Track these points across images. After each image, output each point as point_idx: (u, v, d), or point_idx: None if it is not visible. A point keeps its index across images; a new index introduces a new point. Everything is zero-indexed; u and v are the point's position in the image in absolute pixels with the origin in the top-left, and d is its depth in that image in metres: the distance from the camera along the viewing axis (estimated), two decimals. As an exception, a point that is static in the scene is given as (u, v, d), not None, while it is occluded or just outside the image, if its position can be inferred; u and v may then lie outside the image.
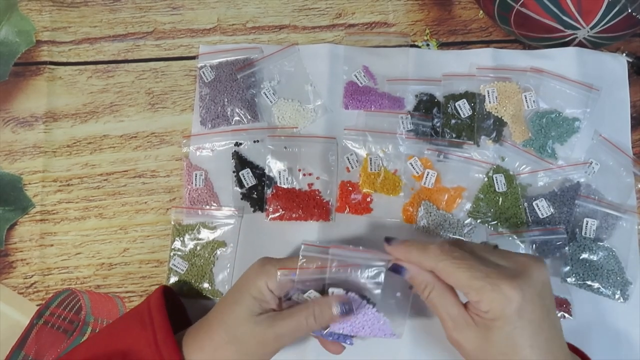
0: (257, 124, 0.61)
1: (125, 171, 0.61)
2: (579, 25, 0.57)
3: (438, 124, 0.60)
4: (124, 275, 0.59)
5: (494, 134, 0.60)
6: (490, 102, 0.60)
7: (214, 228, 0.58)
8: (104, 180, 0.61)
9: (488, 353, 0.41)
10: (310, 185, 0.59)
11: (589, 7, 0.55)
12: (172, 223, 0.58)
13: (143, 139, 0.62)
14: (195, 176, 0.60)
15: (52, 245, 0.60)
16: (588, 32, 0.58)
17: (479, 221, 0.58)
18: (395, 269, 0.45)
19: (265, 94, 0.62)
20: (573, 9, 0.56)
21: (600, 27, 0.57)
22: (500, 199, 0.57)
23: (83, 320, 0.57)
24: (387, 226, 0.58)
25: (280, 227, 0.58)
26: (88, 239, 0.60)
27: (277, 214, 0.58)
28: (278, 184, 0.59)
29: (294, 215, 0.58)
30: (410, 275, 0.45)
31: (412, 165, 0.59)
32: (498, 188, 0.57)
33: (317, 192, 0.59)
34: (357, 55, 0.63)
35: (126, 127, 0.63)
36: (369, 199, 0.59)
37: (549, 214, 0.57)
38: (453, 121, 0.60)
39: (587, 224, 0.56)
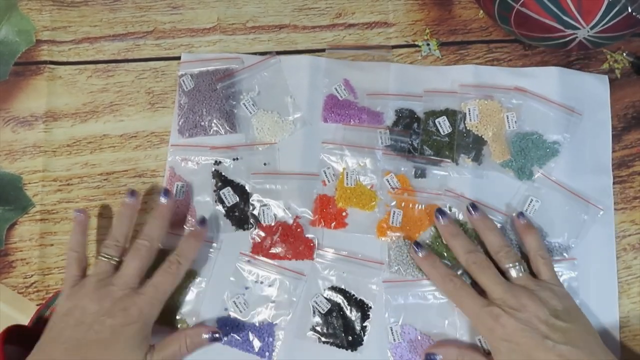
0: (235, 135, 0.61)
1: (125, 171, 0.61)
2: (579, 25, 0.57)
3: (417, 141, 0.60)
4: (124, 274, 0.59)
5: (473, 153, 0.60)
6: (471, 119, 0.60)
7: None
8: (104, 179, 0.61)
9: None
10: (295, 219, 0.58)
11: (589, 7, 0.55)
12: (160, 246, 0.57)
13: (143, 139, 0.62)
14: (177, 187, 0.59)
15: (52, 244, 0.60)
16: (588, 32, 0.58)
17: None
18: (430, 359, 0.52)
19: (245, 105, 0.61)
20: (573, 9, 0.56)
21: (601, 27, 0.57)
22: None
23: (83, 320, 0.57)
24: (361, 241, 0.58)
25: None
26: (88, 239, 0.60)
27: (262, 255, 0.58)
28: (261, 223, 0.58)
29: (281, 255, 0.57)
30: (442, 359, 0.51)
31: (388, 181, 0.58)
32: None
33: (301, 229, 0.58)
34: (338, 68, 0.63)
35: (126, 127, 0.63)
36: (344, 214, 0.58)
37: None
38: (432, 138, 0.60)
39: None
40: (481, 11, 0.66)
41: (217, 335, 0.52)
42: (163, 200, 0.55)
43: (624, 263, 0.58)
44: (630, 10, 0.54)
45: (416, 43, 0.65)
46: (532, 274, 0.53)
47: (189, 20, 0.66)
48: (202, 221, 0.56)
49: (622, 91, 0.63)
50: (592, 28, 0.57)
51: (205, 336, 0.52)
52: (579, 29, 0.58)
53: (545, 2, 0.56)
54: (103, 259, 0.53)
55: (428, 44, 0.65)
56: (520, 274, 0.51)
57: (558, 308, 0.49)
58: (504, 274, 0.52)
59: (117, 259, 0.53)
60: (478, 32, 0.66)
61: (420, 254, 0.54)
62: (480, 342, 0.54)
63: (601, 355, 0.47)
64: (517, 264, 0.52)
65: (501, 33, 0.65)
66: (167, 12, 0.66)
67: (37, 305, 0.58)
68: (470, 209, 0.55)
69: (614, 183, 0.60)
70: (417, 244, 0.54)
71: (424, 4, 0.66)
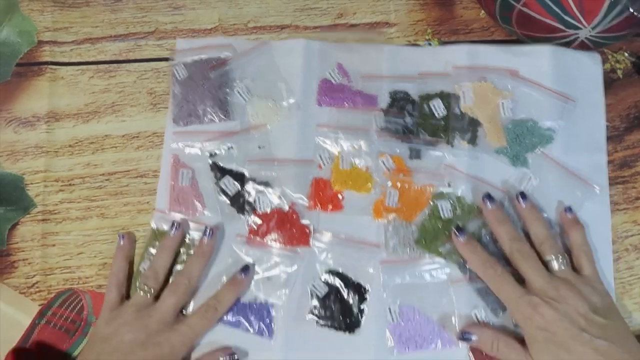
0: (229, 123, 0.61)
1: (127, 171, 0.62)
2: (580, 25, 0.57)
3: (410, 122, 0.60)
4: (125, 275, 0.59)
5: (468, 134, 0.60)
6: (465, 101, 0.60)
7: (191, 240, 0.58)
8: (106, 180, 0.61)
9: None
10: (291, 205, 0.58)
11: (591, 7, 0.55)
12: (153, 226, 0.58)
13: (145, 139, 0.62)
14: (182, 174, 0.59)
15: (54, 245, 0.60)
16: (590, 32, 0.58)
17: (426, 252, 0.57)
18: (464, 337, 0.53)
19: (239, 92, 0.61)
20: (574, 9, 0.55)
21: (602, 27, 0.57)
22: (444, 224, 0.57)
23: (85, 320, 0.57)
24: (358, 223, 0.58)
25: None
26: (90, 239, 0.60)
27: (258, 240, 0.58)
28: (257, 210, 0.58)
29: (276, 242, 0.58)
30: (477, 339, 0.52)
31: (383, 163, 0.59)
32: (443, 214, 0.57)
33: (297, 216, 0.58)
34: (331, 52, 0.63)
35: (128, 127, 0.63)
36: (340, 196, 0.59)
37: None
38: (428, 121, 0.60)
39: None
40: (482, 11, 0.66)
41: (234, 356, 0.53)
42: (206, 239, 0.55)
43: (626, 263, 0.58)
44: (631, 10, 0.54)
45: (418, 43, 0.65)
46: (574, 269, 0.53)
47: (190, 20, 0.66)
48: (245, 270, 0.55)
49: (624, 91, 0.63)
50: (593, 28, 0.57)
51: (222, 359, 0.53)
52: (580, 29, 0.58)
53: (546, 2, 0.56)
54: (142, 290, 0.54)
55: (430, 44, 0.65)
56: (563, 267, 0.51)
57: (598, 304, 0.49)
58: (545, 265, 0.52)
59: (155, 290, 0.54)
60: (479, 32, 0.66)
61: (461, 239, 0.54)
62: (475, 316, 0.54)
63: (638, 354, 0.47)
64: (560, 256, 0.52)
65: (503, 33, 0.65)
66: (169, 13, 0.66)
67: (39, 305, 0.58)
68: (520, 198, 0.55)
69: (616, 183, 0.60)
70: (459, 229, 0.54)
71: (426, 4, 0.66)
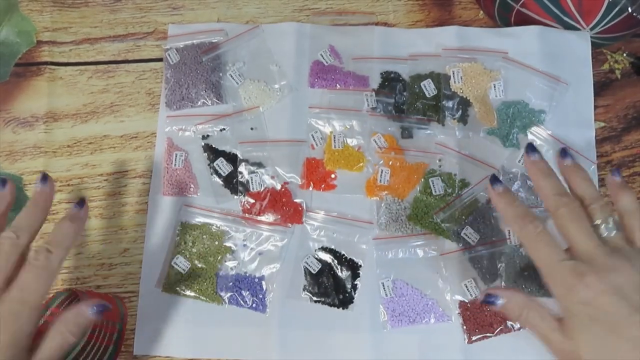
0: (222, 106, 0.62)
1: (125, 171, 0.62)
2: (579, 26, 0.57)
3: (402, 102, 0.61)
4: (124, 275, 0.59)
5: (458, 114, 0.60)
6: (455, 81, 0.60)
7: (222, 232, 0.58)
8: (105, 180, 0.61)
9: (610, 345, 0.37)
10: (284, 184, 0.59)
11: (589, 8, 0.55)
12: (181, 221, 0.58)
13: (143, 139, 0.62)
14: (176, 156, 0.60)
15: (52, 245, 0.60)
16: (588, 32, 0.58)
17: (418, 227, 0.57)
18: (489, 300, 0.43)
19: (231, 76, 0.62)
20: (573, 10, 0.56)
21: (601, 28, 0.57)
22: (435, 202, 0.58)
23: (83, 321, 0.56)
24: (350, 202, 0.59)
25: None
26: (88, 239, 0.60)
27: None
28: (250, 190, 0.59)
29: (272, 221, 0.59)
30: (504, 303, 0.42)
31: (375, 141, 0.59)
32: (435, 191, 0.58)
33: (290, 195, 0.59)
34: (323, 34, 0.63)
35: (126, 128, 0.63)
36: (333, 176, 0.60)
37: (476, 240, 0.56)
38: (419, 101, 0.60)
39: None
40: (481, 12, 0.66)
41: (104, 304, 0.43)
42: (40, 186, 0.46)
43: (624, 264, 0.58)
44: (630, 11, 0.55)
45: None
46: None
47: (189, 20, 0.66)
48: (82, 202, 0.46)
49: (622, 92, 0.63)
50: (592, 29, 0.57)
51: (90, 312, 0.43)
52: (579, 29, 0.58)
53: (545, 3, 0.56)
54: None
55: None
56: (614, 233, 0.41)
57: None
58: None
59: None
60: (478, 32, 0.65)
61: (497, 189, 0.44)
62: (466, 287, 0.55)
63: None
64: (611, 220, 0.42)
65: (501, 34, 0.65)
66: (168, 13, 0.66)
67: (38, 305, 0.58)
68: (562, 154, 0.45)
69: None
70: (495, 179, 0.45)
71: (424, 4, 0.66)
